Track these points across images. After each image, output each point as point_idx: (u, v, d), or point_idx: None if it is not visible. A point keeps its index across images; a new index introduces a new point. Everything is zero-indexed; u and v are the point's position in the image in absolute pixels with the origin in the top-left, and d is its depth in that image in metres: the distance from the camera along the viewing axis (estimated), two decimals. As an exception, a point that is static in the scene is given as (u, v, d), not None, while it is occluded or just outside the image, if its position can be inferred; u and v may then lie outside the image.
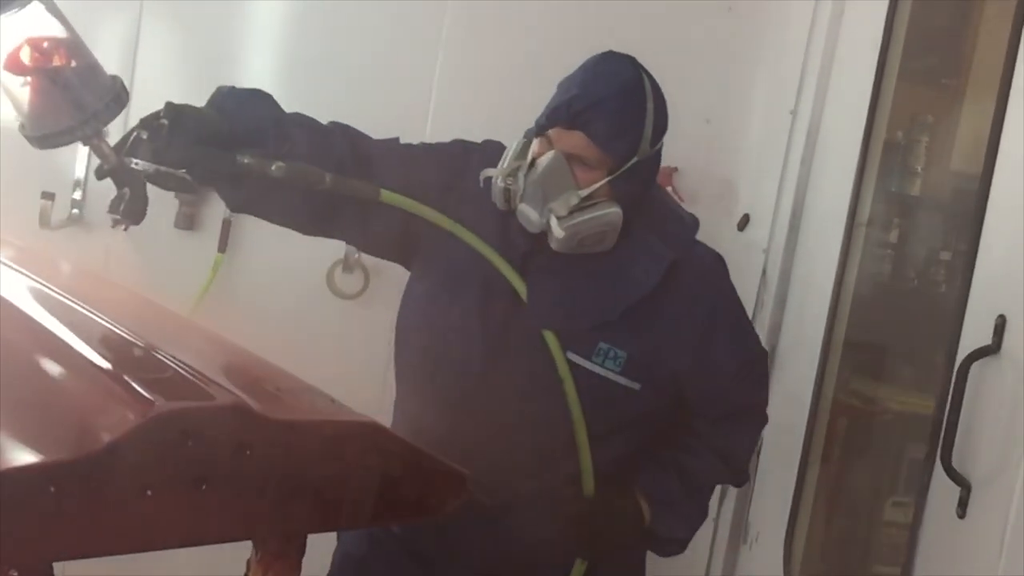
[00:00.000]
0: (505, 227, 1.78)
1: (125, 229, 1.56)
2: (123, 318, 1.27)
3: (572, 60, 2.86)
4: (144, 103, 2.76)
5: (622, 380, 1.76)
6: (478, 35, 2.97)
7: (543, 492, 1.77)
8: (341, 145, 1.73)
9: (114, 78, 1.51)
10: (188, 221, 2.91)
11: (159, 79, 2.81)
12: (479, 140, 1.91)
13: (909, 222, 2.97)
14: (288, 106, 1.75)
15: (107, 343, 1.18)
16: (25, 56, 1.40)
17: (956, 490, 2.04)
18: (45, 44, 1.42)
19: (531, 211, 1.72)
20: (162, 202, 2.86)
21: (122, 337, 1.19)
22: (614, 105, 1.71)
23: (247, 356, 1.35)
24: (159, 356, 1.14)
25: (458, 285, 1.79)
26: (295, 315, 2.86)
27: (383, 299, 3.01)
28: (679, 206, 1.96)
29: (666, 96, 1.78)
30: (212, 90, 1.67)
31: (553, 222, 1.71)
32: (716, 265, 1.88)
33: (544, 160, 1.71)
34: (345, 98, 2.76)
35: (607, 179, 1.72)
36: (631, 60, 1.76)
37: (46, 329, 1.20)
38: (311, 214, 1.73)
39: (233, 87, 1.68)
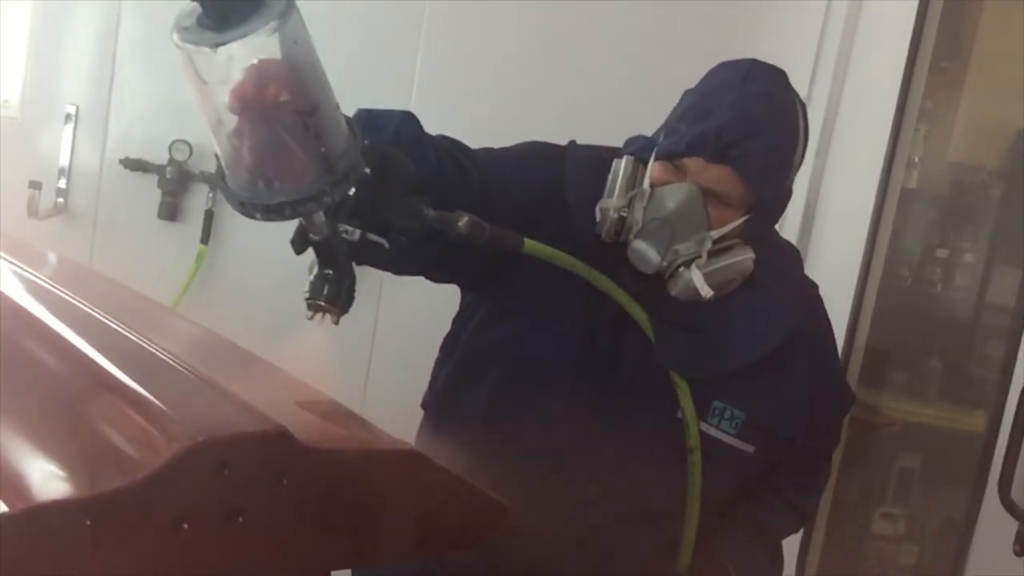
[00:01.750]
0: (606, 258, 1.56)
1: (336, 322, 1.31)
2: (137, 325, 1.23)
3: (559, 53, 2.88)
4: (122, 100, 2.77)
5: (736, 443, 1.63)
6: (459, 30, 2.97)
7: (634, 559, 1.65)
8: (472, 175, 1.52)
9: (348, 121, 1.14)
10: (171, 212, 2.94)
11: (139, 75, 2.91)
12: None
13: (903, 217, 2.92)
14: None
15: (129, 356, 1.13)
16: (255, 90, 1.01)
17: (1012, 524, 2.00)
18: (285, 73, 1.02)
19: (650, 251, 1.53)
20: (145, 192, 2.92)
21: (145, 349, 1.15)
22: (772, 139, 1.51)
23: (268, 368, 1.35)
24: (183, 370, 1.13)
25: (560, 329, 1.61)
26: (278, 308, 2.86)
27: (365, 292, 3.04)
28: (777, 234, 1.82)
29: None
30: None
31: (695, 274, 1.52)
32: (819, 301, 1.78)
33: (675, 194, 1.52)
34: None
35: (743, 219, 1.55)
36: (781, 75, 1.58)
37: (68, 342, 1.16)
38: (439, 263, 1.51)
39: (383, 112, 1.40)
